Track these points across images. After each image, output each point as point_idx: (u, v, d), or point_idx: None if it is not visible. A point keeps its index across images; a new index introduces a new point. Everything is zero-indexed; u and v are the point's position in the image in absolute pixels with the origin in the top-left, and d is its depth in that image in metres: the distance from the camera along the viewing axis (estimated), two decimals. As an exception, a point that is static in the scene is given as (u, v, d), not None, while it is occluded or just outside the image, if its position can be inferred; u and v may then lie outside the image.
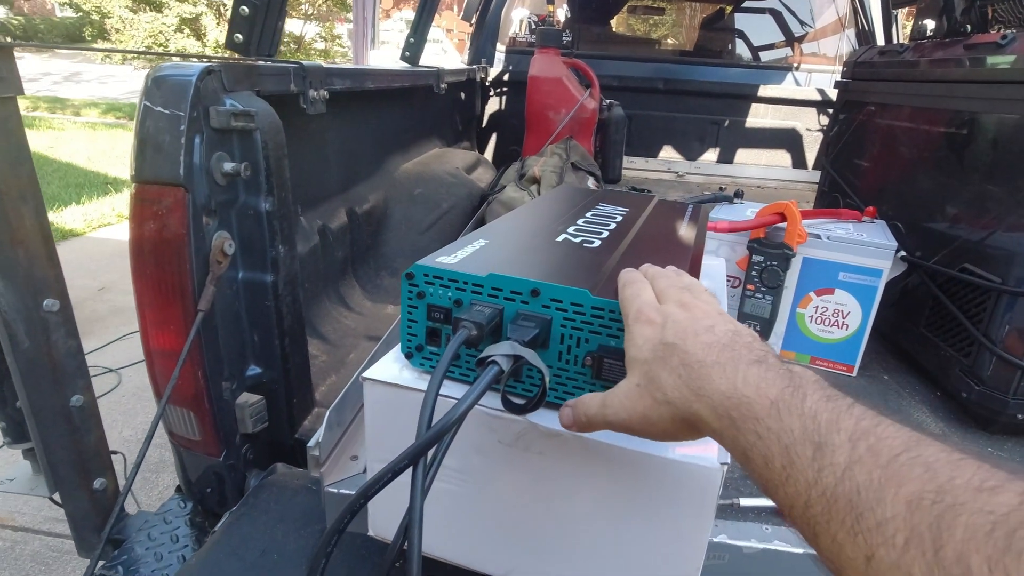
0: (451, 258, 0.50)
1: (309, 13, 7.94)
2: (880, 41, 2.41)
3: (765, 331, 1.04)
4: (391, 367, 0.53)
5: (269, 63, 0.80)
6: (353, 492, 0.67)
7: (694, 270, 0.56)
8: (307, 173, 1.11)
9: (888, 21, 2.39)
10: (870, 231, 1.04)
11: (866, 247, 0.98)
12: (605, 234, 0.59)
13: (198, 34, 9.18)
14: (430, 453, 0.39)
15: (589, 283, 0.44)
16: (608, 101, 2.24)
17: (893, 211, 1.17)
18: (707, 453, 0.43)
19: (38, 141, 5.65)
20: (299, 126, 0.99)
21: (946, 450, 0.25)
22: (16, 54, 0.58)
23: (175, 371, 0.69)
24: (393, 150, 1.58)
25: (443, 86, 1.77)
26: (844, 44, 2.69)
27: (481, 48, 2.45)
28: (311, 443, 0.65)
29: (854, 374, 1.03)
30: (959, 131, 1.01)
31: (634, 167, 2.57)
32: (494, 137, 2.59)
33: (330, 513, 0.68)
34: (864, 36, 2.49)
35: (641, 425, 0.37)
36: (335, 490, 0.67)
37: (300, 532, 0.73)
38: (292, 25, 7.95)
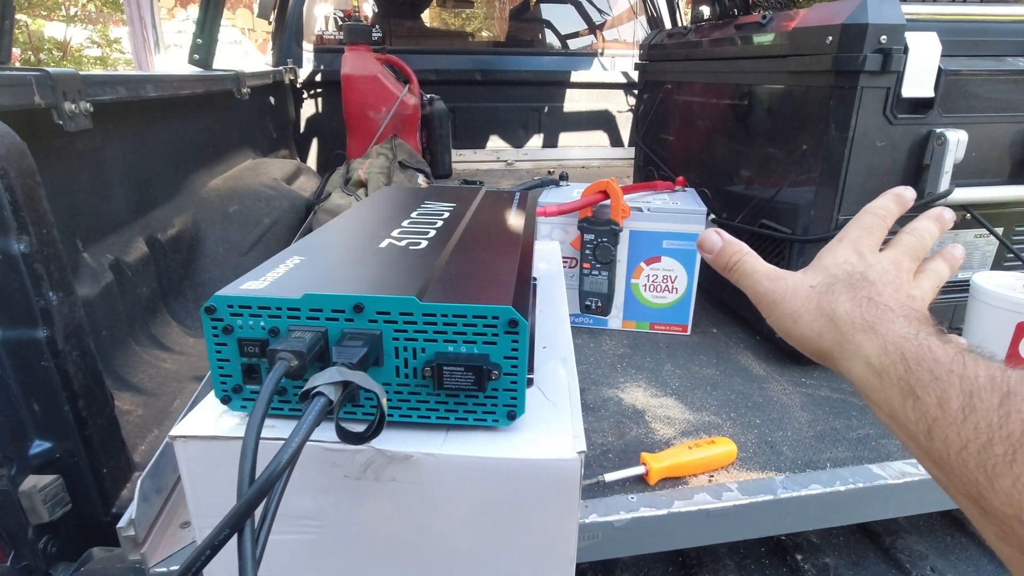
0: (259, 282, 0.43)
1: (72, 15, 6.83)
2: (668, 25, 2.65)
3: (606, 305, 1.08)
4: (206, 417, 0.45)
5: (-1, 73, 0.65)
6: (187, 565, 0.58)
7: (526, 255, 0.55)
8: (83, 201, 0.94)
9: (672, 6, 2.64)
10: (683, 199, 1.13)
11: (681, 214, 1.05)
12: (432, 233, 0.56)
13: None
14: (259, 511, 0.33)
15: (417, 288, 0.41)
16: (429, 96, 2.21)
17: (700, 179, 1.29)
18: (562, 445, 0.42)
19: None
20: (59, 147, 0.83)
21: None
22: None
23: (-83, 471, 0.54)
24: (196, 166, 1.41)
25: (245, 91, 1.62)
26: (638, 29, 2.92)
27: (286, 48, 2.29)
28: (122, 522, 0.54)
29: (688, 332, 1.12)
30: (741, 102, 1.13)
31: (464, 159, 2.57)
32: (315, 142, 2.45)
33: (162, 596, 0.58)
34: (654, 21, 2.72)
35: (782, 312, 0.38)
36: (164, 569, 0.57)
37: (130, 625, 0.62)
38: (54, 29, 6.79)
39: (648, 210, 1.06)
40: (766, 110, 1.06)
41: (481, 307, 0.39)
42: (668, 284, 1.09)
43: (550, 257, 0.87)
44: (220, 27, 1.65)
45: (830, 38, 0.84)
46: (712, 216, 1.13)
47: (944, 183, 0.86)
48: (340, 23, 2.46)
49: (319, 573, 0.48)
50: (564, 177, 1.30)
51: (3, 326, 0.62)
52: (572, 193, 1.17)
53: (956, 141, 0.84)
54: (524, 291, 0.45)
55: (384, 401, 0.37)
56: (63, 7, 6.83)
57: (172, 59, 5.02)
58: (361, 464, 0.43)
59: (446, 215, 0.64)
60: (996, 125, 0.89)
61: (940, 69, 0.82)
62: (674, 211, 1.06)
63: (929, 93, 0.83)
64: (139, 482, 0.55)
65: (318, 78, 2.35)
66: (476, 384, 0.41)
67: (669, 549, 0.67)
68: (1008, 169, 0.92)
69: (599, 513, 0.64)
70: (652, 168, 1.56)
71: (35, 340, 0.64)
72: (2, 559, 0.64)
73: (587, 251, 1.05)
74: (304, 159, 2.40)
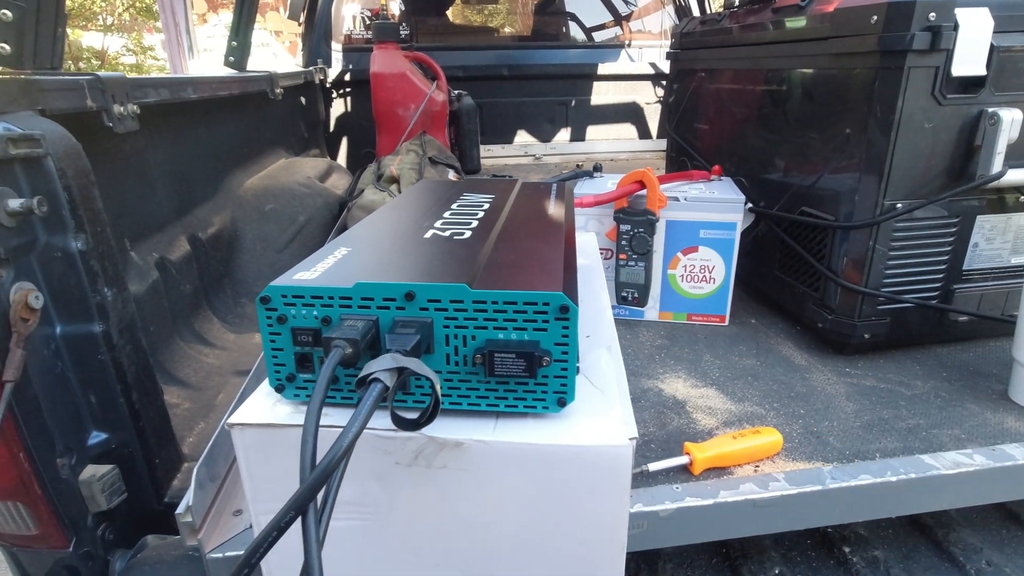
0: (311, 273, 0.44)
1: (109, 24, 7.02)
2: (696, 13, 2.61)
3: (642, 296, 1.07)
4: (261, 405, 0.47)
5: (53, 76, 0.67)
6: (241, 553, 0.59)
7: (569, 246, 0.55)
8: (130, 201, 0.97)
9: (701, -6, 2.59)
10: (720, 188, 1.11)
11: (719, 203, 1.04)
12: (474, 223, 0.56)
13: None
14: (320, 495, 0.34)
15: (466, 276, 0.41)
16: (456, 92, 2.22)
17: (736, 167, 1.26)
18: (614, 431, 0.42)
19: None
20: (108, 148, 0.86)
21: None
22: None
23: (-14, 460, 0.57)
24: (233, 165, 1.44)
25: (278, 91, 1.65)
26: (666, 19, 2.88)
27: (315, 48, 2.32)
28: (180, 508, 0.56)
29: (726, 323, 1.10)
30: (779, 88, 1.10)
31: (492, 155, 2.57)
32: (345, 141, 2.47)
33: (218, 582, 0.59)
34: (682, 10, 2.68)
35: None
36: (220, 555, 0.58)
37: (186, 610, 0.64)
38: (91, 39, 7.00)
39: (685, 199, 1.04)
40: (805, 95, 1.04)
41: (532, 294, 0.39)
42: (706, 274, 1.07)
43: (588, 250, 0.86)
44: (253, 30, 1.68)
45: (875, 17, 0.82)
46: (750, 205, 1.11)
47: (997, 164, 0.83)
48: (368, 22, 2.49)
49: (367, 558, 0.48)
50: (598, 168, 1.29)
51: (62, 321, 0.64)
52: (607, 184, 1.16)
53: (1010, 120, 0.80)
54: (572, 278, 0.45)
55: (439, 387, 0.37)
56: (100, 17, 7.03)
57: (205, 63, 5.13)
58: (412, 451, 0.43)
59: (486, 206, 0.64)
60: (1052, 103, 0.85)
61: (992, 46, 0.79)
62: (711, 200, 1.04)
63: (981, 71, 0.80)
64: (195, 470, 0.57)
65: (347, 77, 2.37)
66: (527, 371, 0.41)
67: (715, 540, 0.66)
68: (1065, 149, 0.89)
69: (644, 503, 0.64)
70: (685, 158, 1.53)
71: (92, 334, 0.66)
72: (65, 545, 0.66)
73: (623, 242, 1.05)
74: (334, 157, 2.43)
